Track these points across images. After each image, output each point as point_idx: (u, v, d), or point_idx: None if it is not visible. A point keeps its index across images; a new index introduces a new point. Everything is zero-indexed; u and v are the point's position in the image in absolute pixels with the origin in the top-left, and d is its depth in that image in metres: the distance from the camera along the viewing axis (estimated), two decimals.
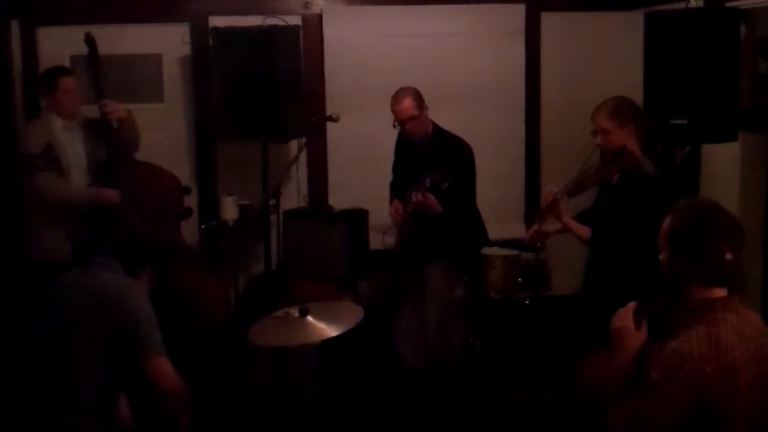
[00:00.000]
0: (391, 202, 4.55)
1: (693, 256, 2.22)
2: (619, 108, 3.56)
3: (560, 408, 3.01)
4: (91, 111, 4.38)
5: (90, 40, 4.32)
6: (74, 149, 4.30)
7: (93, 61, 4.35)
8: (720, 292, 2.23)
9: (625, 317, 2.31)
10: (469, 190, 4.37)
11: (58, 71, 4.38)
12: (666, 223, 2.31)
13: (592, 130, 3.62)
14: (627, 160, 3.52)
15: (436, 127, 4.38)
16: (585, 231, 3.69)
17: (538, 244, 4.25)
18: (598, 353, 2.43)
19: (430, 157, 4.18)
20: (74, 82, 4.33)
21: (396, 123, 4.31)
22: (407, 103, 4.23)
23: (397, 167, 4.63)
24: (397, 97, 4.27)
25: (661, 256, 2.32)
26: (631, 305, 2.33)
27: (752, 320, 2.26)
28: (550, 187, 3.79)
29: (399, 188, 4.54)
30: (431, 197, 4.05)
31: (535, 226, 4.05)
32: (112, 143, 4.27)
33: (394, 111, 4.27)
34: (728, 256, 2.20)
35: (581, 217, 3.84)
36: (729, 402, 2.10)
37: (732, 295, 2.24)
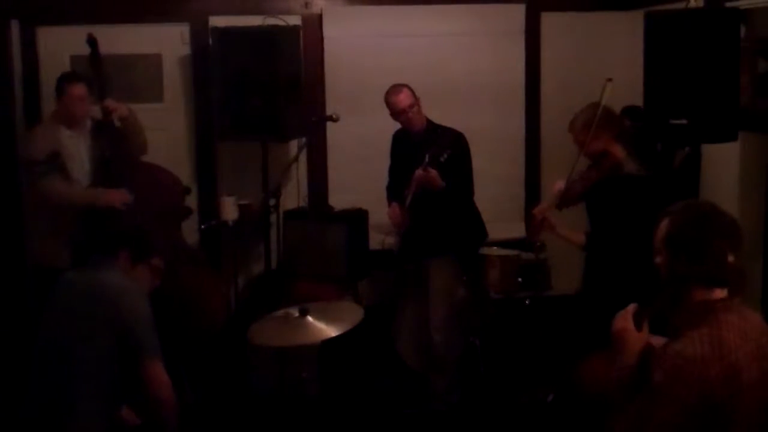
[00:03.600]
0: (389, 206, 4.55)
1: (694, 258, 2.20)
2: (591, 119, 3.59)
3: (561, 409, 3.01)
4: (93, 111, 4.36)
5: (92, 41, 4.30)
6: (80, 156, 4.27)
7: (95, 61, 4.32)
8: (721, 293, 2.22)
9: (625, 319, 2.29)
10: (467, 171, 4.37)
11: (66, 78, 4.28)
12: (663, 226, 2.28)
13: (573, 141, 3.67)
14: (607, 164, 3.59)
15: (429, 122, 4.41)
16: (580, 237, 3.73)
17: (538, 243, 4.28)
18: (599, 355, 2.42)
19: (424, 148, 4.21)
20: (83, 88, 4.23)
21: (395, 115, 4.33)
22: (405, 93, 4.31)
23: (393, 169, 4.63)
24: (392, 91, 4.33)
25: (657, 260, 2.30)
26: (631, 307, 2.32)
27: (753, 320, 2.25)
28: (538, 207, 3.82)
29: (395, 190, 4.54)
30: (433, 171, 4.11)
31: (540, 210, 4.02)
32: (114, 142, 4.26)
33: (392, 102, 4.31)
34: (730, 257, 2.20)
35: None
36: (733, 403, 2.09)
37: (733, 295, 2.24)
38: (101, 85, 4.28)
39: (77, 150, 4.27)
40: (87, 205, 4.16)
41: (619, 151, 3.62)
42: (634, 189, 3.48)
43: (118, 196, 4.14)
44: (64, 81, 4.26)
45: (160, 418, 2.88)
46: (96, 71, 4.32)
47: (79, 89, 4.23)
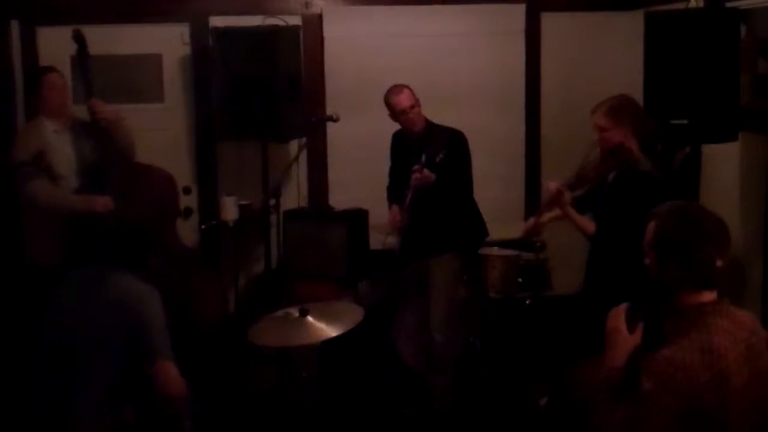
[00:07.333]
0: (390, 208, 4.54)
1: (682, 263, 2.19)
2: (618, 107, 3.57)
3: (554, 414, 3.00)
4: (84, 112, 4.29)
5: (79, 38, 4.17)
6: (65, 153, 4.20)
7: (83, 59, 4.19)
8: (709, 296, 2.21)
9: (617, 318, 2.28)
10: (465, 169, 4.36)
11: (41, 69, 4.27)
12: (650, 228, 2.28)
13: (592, 125, 3.64)
14: (625, 156, 3.54)
15: (428, 122, 4.41)
16: (590, 225, 3.67)
17: (536, 239, 4.26)
18: (593, 359, 2.41)
19: (423, 148, 4.21)
20: (59, 78, 4.21)
21: (395, 115, 4.32)
22: (406, 93, 4.30)
23: (393, 170, 4.63)
24: (393, 91, 4.32)
25: (646, 261, 2.29)
26: (623, 306, 2.30)
27: (743, 320, 2.23)
28: (553, 181, 3.78)
29: (395, 192, 4.54)
30: (426, 171, 4.11)
31: (533, 219, 4.04)
32: (102, 144, 4.18)
33: (393, 103, 4.30)
34: (718, 262, 2.18)
35: (575, 204, 3.87)
36: (723, 409, 2.08)
37: (721, 297, 2.23)
38: (89, 82, 4.18)
39: (63, 147, 4.20)
40: (71, 211, 4.12)
41: (635, 147, 3.57)
42: (648, 187, 3.44)
43: (100, 202, 4.08)
44: (37, 73, 4.25)
45: (173, 414, 2.88)
46: (84, 69, 4.19)
47: (52, 77, 4.20)
